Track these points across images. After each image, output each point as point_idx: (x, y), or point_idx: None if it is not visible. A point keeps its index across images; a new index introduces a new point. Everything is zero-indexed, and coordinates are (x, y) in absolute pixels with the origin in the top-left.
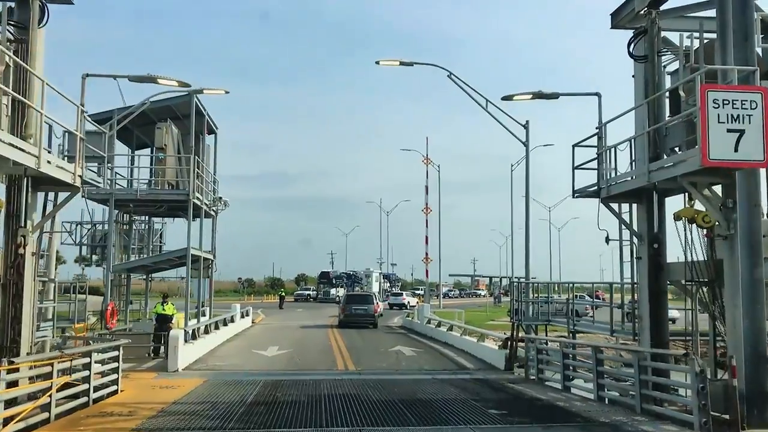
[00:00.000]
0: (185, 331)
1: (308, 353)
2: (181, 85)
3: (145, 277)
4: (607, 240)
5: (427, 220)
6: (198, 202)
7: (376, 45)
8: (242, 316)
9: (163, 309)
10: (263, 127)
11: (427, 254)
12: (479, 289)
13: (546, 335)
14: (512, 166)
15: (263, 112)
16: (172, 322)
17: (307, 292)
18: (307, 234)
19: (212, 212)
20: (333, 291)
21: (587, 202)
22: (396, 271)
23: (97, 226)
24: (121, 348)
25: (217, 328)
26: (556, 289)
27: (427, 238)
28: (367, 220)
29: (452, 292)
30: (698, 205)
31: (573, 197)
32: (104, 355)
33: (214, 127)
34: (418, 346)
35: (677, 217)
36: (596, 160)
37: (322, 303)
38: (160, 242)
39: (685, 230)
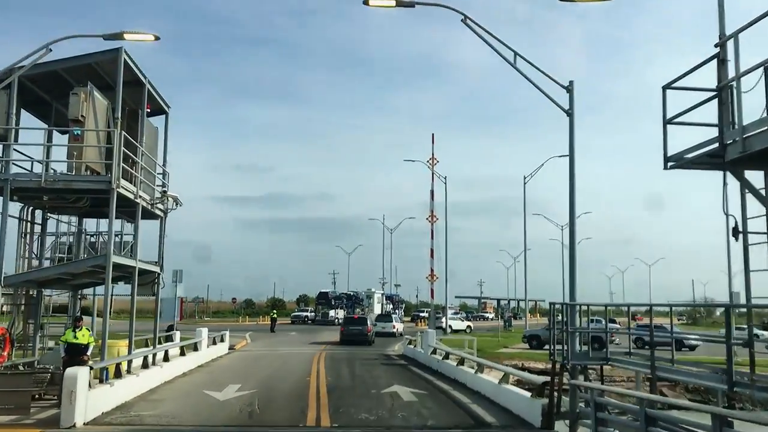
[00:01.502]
0: (91, 368)
1: (275, 396)
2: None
3: (73, 294)
4: (736, 232)
5: (432, 231)
6: (128, 195)
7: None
8: (214, 342)
9: (75, 337)
10: (265, 146)
11: (432, 270)
12: (486, 312)
13: (601, 381)
14: (525, 178)
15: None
16: (88, 353)
17: (305, 314)
18: (310, 255)
19: (158, 212)
20: (332, 312)
21: (600, 218)
22: (400, 292)
23: None
24: None
25: (166, 359)
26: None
27: (432, 251)
28: (372, 242)
29: (458, 315)
30: None
31: (665, 168)
32: None
33: (164, 105)
34: (421, 386)
35: None
36: (716, 100)
37: (320, 325)
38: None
39: None
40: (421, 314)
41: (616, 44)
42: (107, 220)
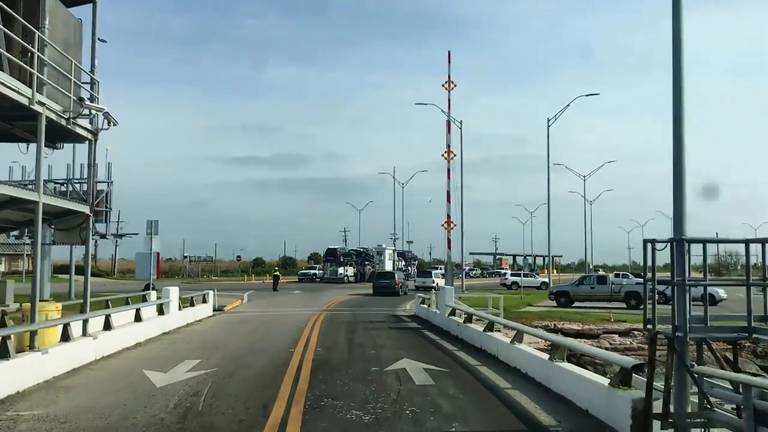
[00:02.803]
0: None
1: (239, 378)
2: None
3: None
4: None
5: (449, 169)
6: (17, 97)
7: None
8: (191, 304)
9: None
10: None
11: (449, 217)
12: (502, 268)
13: (735, 364)
14: (549, 120)
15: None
16: None
17: (313, 272)
18: (322, 214)
19: (82, 131)
20: (341, 270)
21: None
22: (412, 249)
23: None
24: None
25: (107, 327)
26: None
27: (448, 193)
28: (383, 203)
29: (473, 272)
30: None
31: None
32: None
33: None
34: (437, 360)
35: None
36: None
37: (328, 283)
38: None
39: None
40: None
41: None
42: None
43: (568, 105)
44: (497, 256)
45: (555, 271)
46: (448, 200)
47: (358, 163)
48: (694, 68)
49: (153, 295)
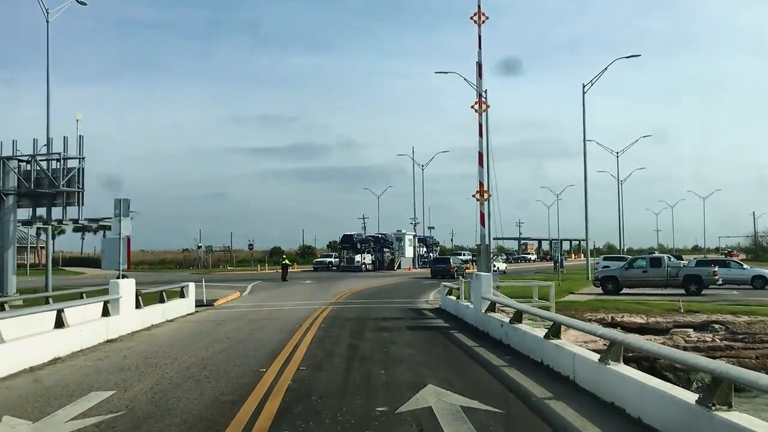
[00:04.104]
0: None
1: (153, 430)
2: None
3: None
4: None
5: (481, 124)
6: None
7: None
8: (160, 300)
9: None
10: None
11: (482, 185)
12: (528, 253)
13: None
14: (584, 86)
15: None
16: None
17: (329, 260)
18: (340, 203)
19: None
20: (358, 257)
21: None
22: (434, 234)
23: None
24: None
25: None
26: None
27: (481, 155)
28: (402, 190)
29: (499, 257)
30: None
31: None
32: None
33: None
34: (482, 390)
35: None
36: None
37: (344, 272)
38: None
39: None
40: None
41: None
42: None
43: (606, 68)
44: (522, 241)
45: (582, 255)
46: (481, 164)
47: (377, 152)
48: None
49: (122, 288)
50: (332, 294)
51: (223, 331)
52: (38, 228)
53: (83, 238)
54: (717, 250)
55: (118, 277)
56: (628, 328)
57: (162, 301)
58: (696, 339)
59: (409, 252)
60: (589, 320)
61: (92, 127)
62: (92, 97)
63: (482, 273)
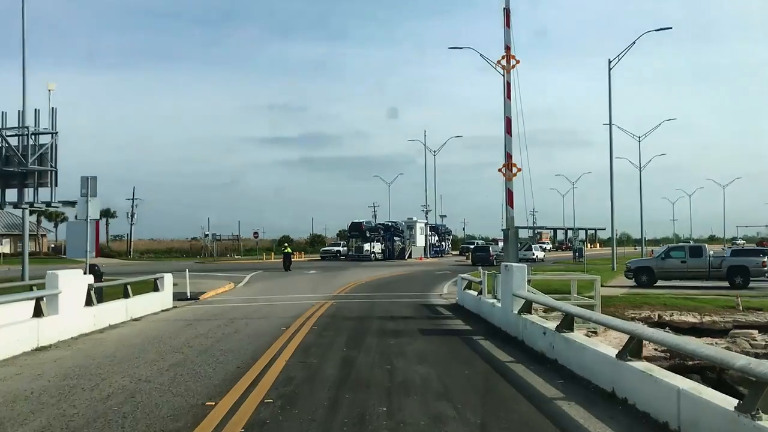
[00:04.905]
0: None
1: None
2: None
3: None
4: None
5: (508, 83)
6: None
7: None
8: (125, 295)
9: None
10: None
11: (509, 157)
12: (543, 242)
13: None
14: (610, 61)
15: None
16: None
17: (336, 249)
18: (351, 192)
19: None
20: (367, 246)
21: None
22: (446, 223)
23: None
24: None
25: None
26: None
27: (508, 121)
28: (412, 180)
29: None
30: None
31: None
32: None
33: None
34: None
35: None
36: None
37: (352, 261)
38: None
39: None
40: (471, 246)
41: None
42: None
43: (634, 42)
44: (536, 230)
45: (598, 244)
46: (508, 131)
47: (387, 142)
48: None
49: (62, 281)
50: (335, 286)
51: (187, 336)
52: (39, 214)
53: None
54: (733, 239)
55: (93, 269)
56: (678, 328)
57: (127, 296)
58: (765, 343)
59: (420, 241)
60: (633, 319)
61: (101, 116)
62: (101, 86)
63: (513, 264)
